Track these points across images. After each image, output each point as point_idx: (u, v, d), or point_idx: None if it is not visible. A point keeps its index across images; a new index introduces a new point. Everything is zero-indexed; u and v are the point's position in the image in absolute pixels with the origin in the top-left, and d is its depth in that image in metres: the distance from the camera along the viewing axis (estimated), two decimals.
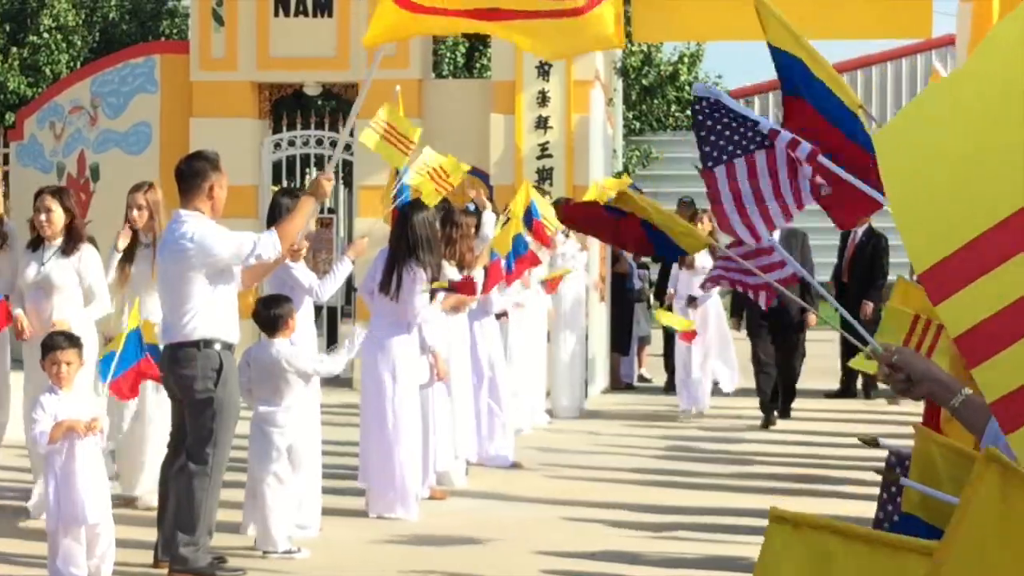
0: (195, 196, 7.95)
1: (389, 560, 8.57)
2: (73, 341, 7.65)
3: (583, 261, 14.61)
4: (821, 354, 17.57)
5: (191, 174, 8.00)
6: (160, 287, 8.10)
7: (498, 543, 9.01)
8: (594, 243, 15.53)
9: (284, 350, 8.49)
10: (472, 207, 13.04)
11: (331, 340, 17.25)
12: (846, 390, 16.34)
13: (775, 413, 14.34)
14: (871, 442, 3.92)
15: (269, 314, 8.55)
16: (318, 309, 14.11)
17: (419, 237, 9.56)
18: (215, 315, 7.89)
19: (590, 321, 15.54)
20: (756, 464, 11.96)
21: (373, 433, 9.66)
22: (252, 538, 8.56)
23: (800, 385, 15.51)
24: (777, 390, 14.49)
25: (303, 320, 9.16)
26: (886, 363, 3.50)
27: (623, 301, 17.04)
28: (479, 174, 16.31)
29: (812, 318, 14.34)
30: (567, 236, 13.93)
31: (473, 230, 11.13)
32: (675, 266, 14.93)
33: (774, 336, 14.41)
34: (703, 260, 14.22)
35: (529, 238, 11.73)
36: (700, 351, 14.69)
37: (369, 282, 9.86)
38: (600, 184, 14.57)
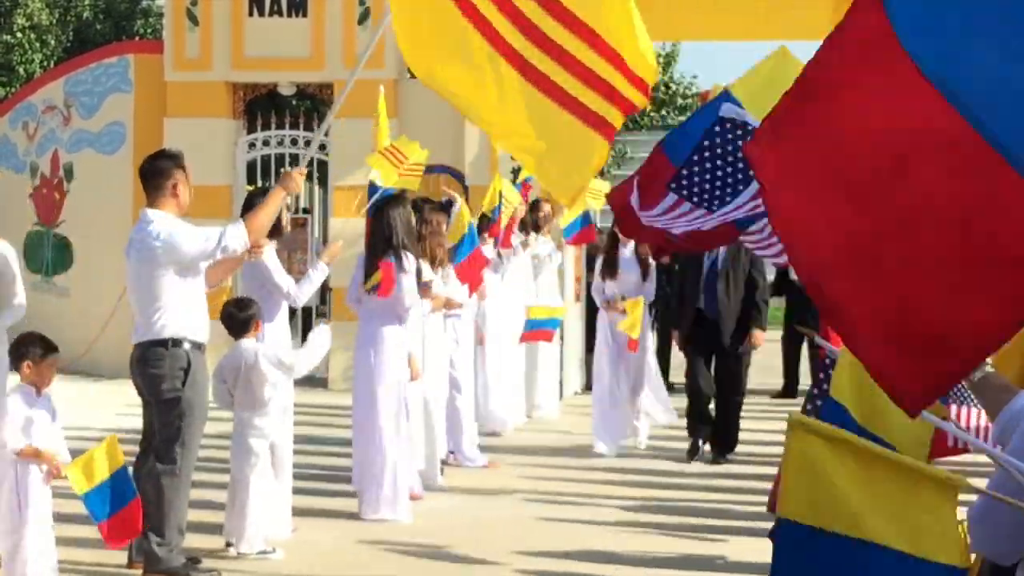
0: (160, 195, 7.94)
1: (363, 561, 8.56)
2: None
3: (558, 261, 14.60)
4: (763, 350, 17.61)
5: (154, 173, 7.98)
6: (130, 287, 8.05)
7: (474, 543, 9.01)
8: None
9: (253, 347, 8.46)
10: (445, 201, 13.02)
11: (305, 340, 17.20)
12: (790, 389, 16.30)
13: (704, 444, 12.18)
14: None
15: (240, 316, 8.51)
16: (292, 310, 14.10)
17: (394, 229, 9.56)
18: (184, 314, 7.85)
19: (565, 321, 15.53)
20: (729, 463, 11.96)
21: (367, 435, 9.62)
22: (226, 539, 8.53)
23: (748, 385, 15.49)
24: (713, 416, 12.24)
25: (278, 321, 9.14)
26: None
27: None
28: (454, 174, 16.32)
29: (758, 337, 12.19)
30: (538, 235, 13.92)
31: (444, 226, 11.03)
32: (597, 276, 12.90)
33: (708, 360, 12.21)
34: (628, 268, 12.57)
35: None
36: (627, 379, 12.66)
37: (354, 291, 9.85)
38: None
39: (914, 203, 2.77)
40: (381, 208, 9.74)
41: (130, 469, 7.16)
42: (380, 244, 9.60)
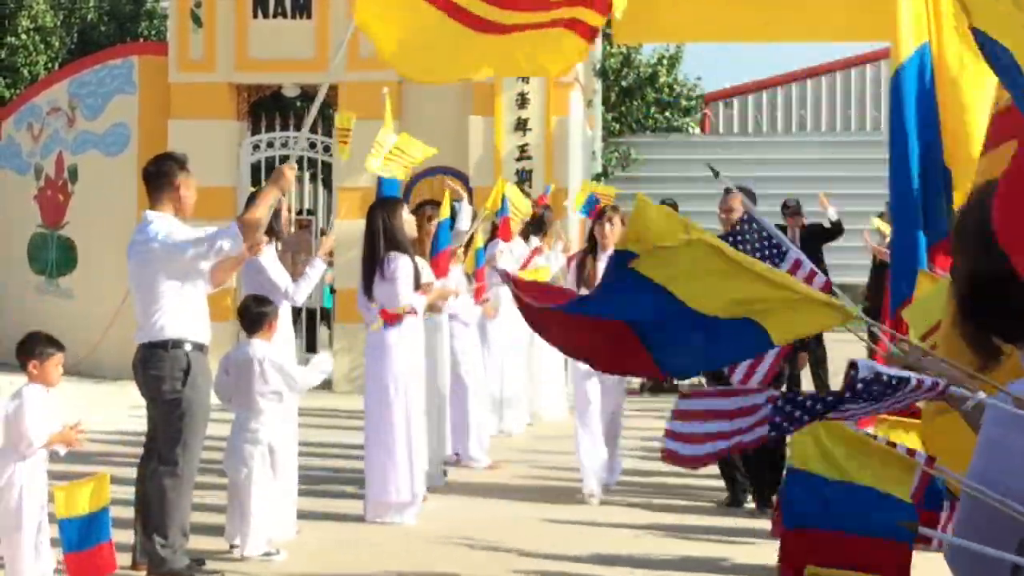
0: (162, 197, 7.96)
1: (367, 562, 8.56)
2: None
3: (560, 264, 14.58)
4: None
5: (157, 175, 8.01)
6: (132, 288, 8.06)
7: (477, 544, 9.00)
8: (572, 244, 15.52)
9: (262, 349, 8.46)
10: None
11: (310, 342, 17.23)
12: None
13: (746, 494, 10.18)
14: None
15: (256, 311, 8.54)
16: (296, 312, 14.07)
17: (373, 232, 9.57)
18: (184, 315, 7.86)
19: None
20: None
21: (378, 438, 9.60)
22: (230, 540, 8.53)
23: None
24: (751, 464, 10.10)
25: (281, 323, 9.13)
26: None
27: None
28: (458, 175, 16.33)
29: (803, 359, 10.56)
30: (540, 238, 13.92)
31: (433, 223, 10.95)
32: (571, 277, 10.92)
33: None
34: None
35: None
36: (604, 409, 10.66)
37: (362, 296, 9.87)
38: (590, 185, 14.60)
39: None
40: (368, 213, 9.76)
41: (111, 511, 7.01)
42: (367, 249, 9.61)
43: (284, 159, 17.49)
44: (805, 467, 4.19)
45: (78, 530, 6.78)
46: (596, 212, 12.50)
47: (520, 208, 12.74)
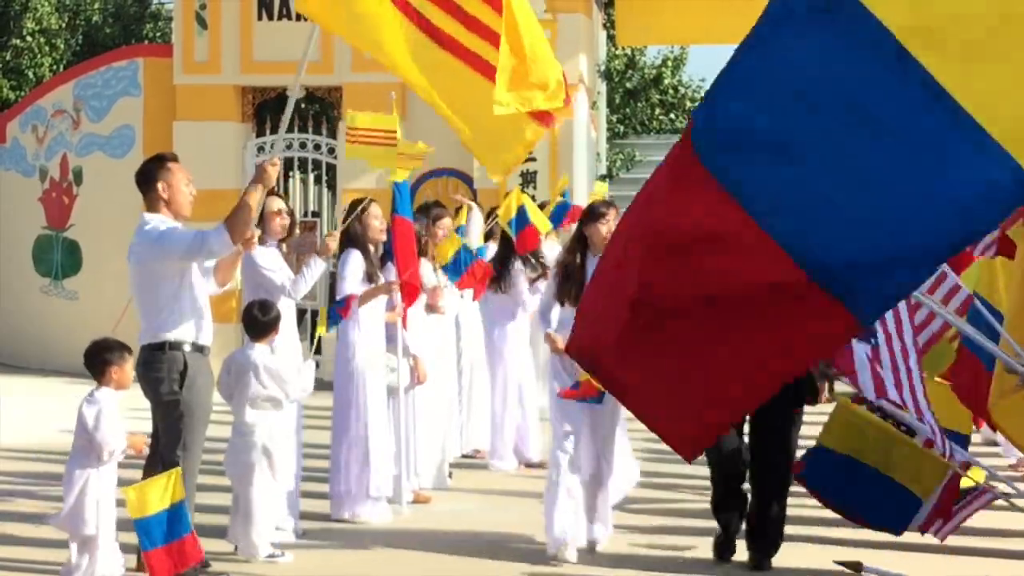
0: (151, 198, 7.97)
1: (371, 564, 8.57)
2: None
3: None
4: None
5: (143, 177, 8.04)
6: (132, 291, 8.05)
7: (481, 545, 9.01)
8: None
9: (262, 355, 8.46)
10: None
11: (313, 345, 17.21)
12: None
13: (731, 552, 8.63)
14: (854, 567, 4.64)
15: (264, 320, 8.54)
16: (301, 313, 14.07)
17: (343, 231, 9.65)
18: (183, 316, 7.82)
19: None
20: None
21: (339, 434, 9.67)
22: (234, 542, 8.54)
23: None
24: (750, 516, 8.55)
25: (285, 324, 9.14)
26: None
27: None
28: (461, 177, 16.35)
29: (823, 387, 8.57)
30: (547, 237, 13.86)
31: (439, 224, 11.00)
32: (548, 294, 8.95)
33: (751, 424, 8.51)
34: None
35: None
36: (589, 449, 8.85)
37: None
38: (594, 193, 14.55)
39: (696, 292, 3.23)
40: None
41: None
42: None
43: (289, 161, 17.54)
44: (832, 447, 4.62)
45: (157, 527, 6.83)
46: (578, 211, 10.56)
47: (542, 225, 12.60)
